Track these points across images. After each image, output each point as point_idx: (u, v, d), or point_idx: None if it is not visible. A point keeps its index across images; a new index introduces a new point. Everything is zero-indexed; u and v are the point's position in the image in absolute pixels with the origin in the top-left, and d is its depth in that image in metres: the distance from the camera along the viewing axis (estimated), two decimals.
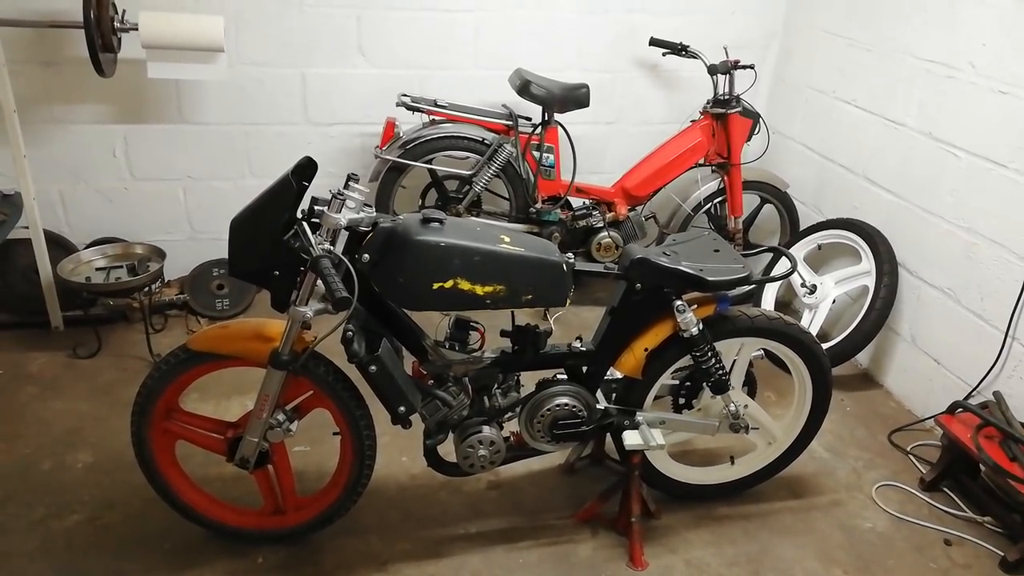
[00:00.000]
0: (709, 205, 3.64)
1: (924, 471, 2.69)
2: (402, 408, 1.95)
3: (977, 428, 2.45)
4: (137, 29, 2.84)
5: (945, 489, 2.62)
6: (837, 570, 2.28)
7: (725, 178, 3.55)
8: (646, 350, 2.18)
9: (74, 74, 3.17)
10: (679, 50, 3.53)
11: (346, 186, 1.80)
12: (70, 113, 3.25)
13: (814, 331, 3.21)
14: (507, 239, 1.94)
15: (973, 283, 2.78)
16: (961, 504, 2.56)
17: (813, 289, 3.35)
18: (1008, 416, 2.48)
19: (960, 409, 2.57)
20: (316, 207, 1.83)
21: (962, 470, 2.58)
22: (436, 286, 1.85)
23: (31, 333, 3.21)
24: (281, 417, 2.02)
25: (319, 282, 1.79)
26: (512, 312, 2.07)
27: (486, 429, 2.13)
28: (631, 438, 2.21)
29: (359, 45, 3.41)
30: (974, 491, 2.54)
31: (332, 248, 1.77)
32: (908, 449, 2.82)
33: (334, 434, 2.11)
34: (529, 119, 3.44)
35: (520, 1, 3.50)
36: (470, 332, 2.09)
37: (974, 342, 2.78)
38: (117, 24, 2.85)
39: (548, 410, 2.17)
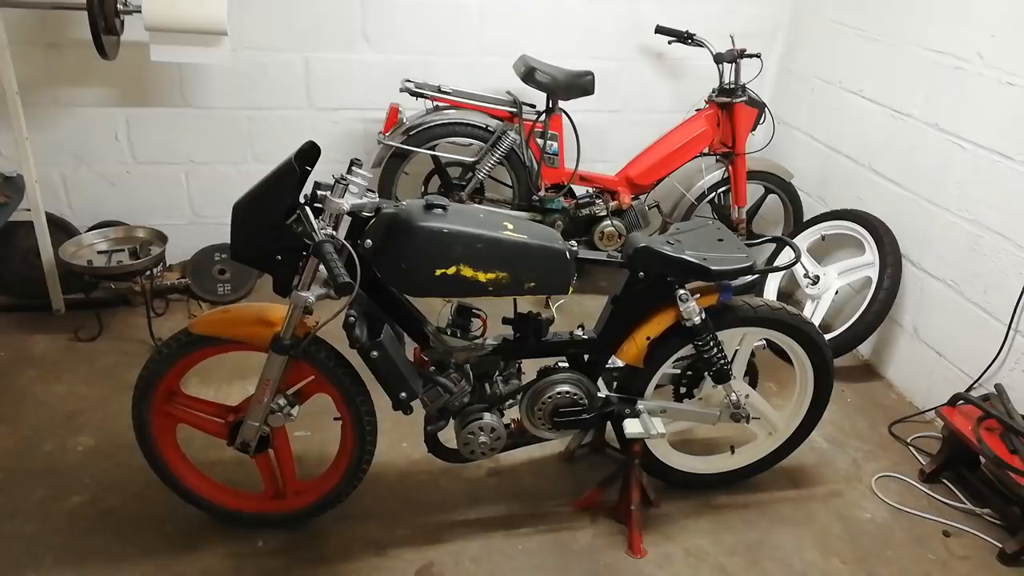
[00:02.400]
0: (713, 195, 3.63)
1: (924, 463, 2.69)
2: (403, 394, 1.95)
3: (978, 420, 2.45)
4: (140, 11, 2.82)
5: (945, 481, 2.62)
6: (835, 560, 2.28)
7: (729, 167, 3.53)
8: (648, 339, 2.17)
9: (77, 56, 3.15)
10: (685, 38, 3.51)
11: (349, 171, 1.79)
12: (72, 96, 3.24)
13: (816, 322, 3.21)
14: (510, 226, 1.93)
15: (977, 275, 2.77)
16: (960, 496, 2.56)
17: (816, 280, 3.34)
18: (1009, 408, 2.48)
19: (961, 401, 2.57)
20: (319, 192, 1.82)
21: (962, 462, 2.58)
22: (438, 272, 1.84)
23: (32, 316, 3.21)
24: (282, 402, 2.02)
25: (321, 267, 1.78)
26: (514, 299, 2.07)
27: (487, 416, 2.13)
28: (632, 426, 2.21)
29: (363, 30, 3.39)
30: (974, 483, 2.54)
31: (334, 233, 1.77)
32: (908, 440, 2.82)
33: (335, 419, 2.12)
34: (533, 106, 3.42)
35: None
36: (472, 319, 2.08)
37: (976, 334, 2.77)
38: (120, 6, 2.83)
39: (549, 398, 2.17)
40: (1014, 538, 2.33)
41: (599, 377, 2.27)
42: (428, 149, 3.33)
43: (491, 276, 1.89)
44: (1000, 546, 2.34)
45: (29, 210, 3.03)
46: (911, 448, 2.79)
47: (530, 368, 2.24)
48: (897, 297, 3.06)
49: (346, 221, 1.84)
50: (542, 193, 3.48)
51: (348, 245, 1.79)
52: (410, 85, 3.27)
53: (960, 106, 2.83)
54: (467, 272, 1.86)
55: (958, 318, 2.85)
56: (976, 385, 2.74)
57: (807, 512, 2.46)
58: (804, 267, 3.39)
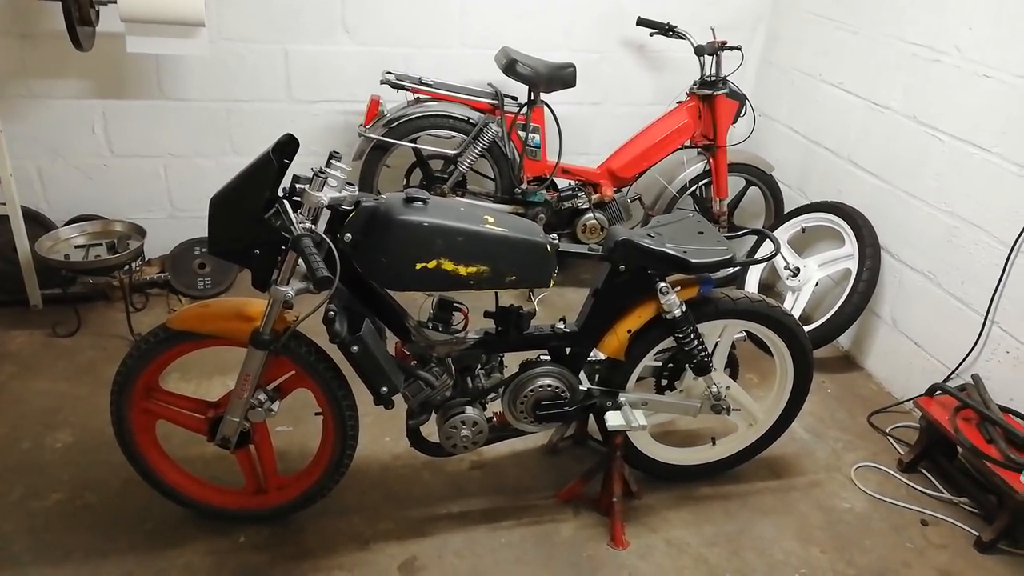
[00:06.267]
0: (694, 187, 3.64)
1: (902, 452, 2.72)
2: (384, 388, 1.94)
3: (955, 410, 2.48)
4: (116, 2, 2.78)
5: (923, 470, 2.65)
6: (815, 549, 2.31)
7: (711, 160, 3.55)
8: (629, 331, 2.18)
9: (51, 48, 3.11)
10: (666, 30, 3.51)
11: (328, 164, 1.78)
12: (48, 88, 3.19)
13: (797, 313, 3.23)
14: (491, 219, 1.92)
15: (954, 267, 2.80)
16: (938, 485, 2.59)
17: (796, 272, 3.37)
18: (985, 398, 2.51)
19: (939, 391, 2.61)
20: (297, 185, 1.81)
21: (940, 452, 2.61)
22: (419, 266, 1.84)
23: (9, 311, 3.17)
24: (263, 397, 2.00)
25: (300, 261, 1.77)
26: (496, 293, 2.07)
27: (469, 410, 2.13)
28: (613, 419, 2.22)
29: (343, 21, 3.37)
30: (951, 472, 2.57)
31: (314, 227, 1.76)
32: (887, 431, 2.85)
33: (316, 414, 2.11)
34: (515, 98, 3.41)
35: None
36: (453, 313, 2.08)
37: (954, 325, 2.80)
38: None
39: (531, 391, 2.18)
40: (991, 526, 2.36)
41: (581, 370, 2.27)
42: (409, 142, 3.31)
43: (472, 270, 1.88)
44: (977, 534, 2.38)
45: (4, 204, 2.99)
46: (890, 438, 2.82)
47: (512, 362, 2.24)
48: (876, 289, 3.08)
49: (326, 215, 1.83)
50: (524, 186, 3.47)
51: (327, 239, 1.77)
52: (391, 77, 3.25)
53: (938, 98, 2.85)
54: (448, 266, 1.86)
55: (936, 309, 2.88)
56: (953, 375, 2.77)
57: (787, 502, 2.48)
58: (784, 259, 3.41)
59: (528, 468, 2.54)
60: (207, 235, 1.83)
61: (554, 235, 2.02)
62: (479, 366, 2.18)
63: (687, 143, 3.53)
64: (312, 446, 2.22)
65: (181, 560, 2.10)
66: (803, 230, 3.47)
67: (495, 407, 2.25)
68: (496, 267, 1.90)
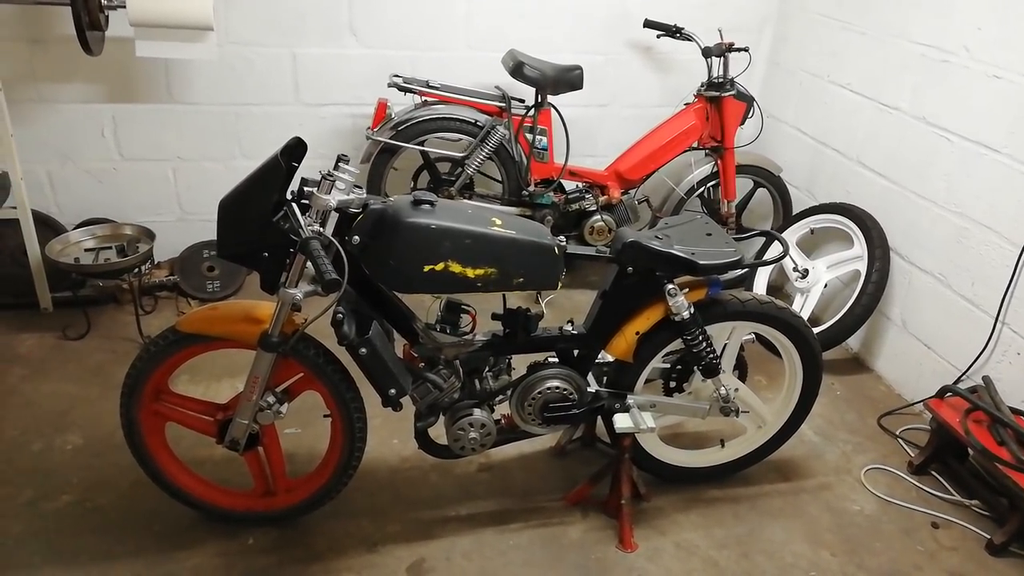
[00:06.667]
0: (702, 189, 3.63)
1: (913, 455, 2.70)
2: (393, 390, 1.94)
3: (966, 412, 2.47)
4: (125, 7, 2.80)
5: (933, 473, 2.63)
6: (825, 552, 2.30)
7: (718, 162, 3.54)
8: (637, 333, 2.17)
9: (61, 52, 3.13)
10: (673, 32, 3.51)
11: (336, 167, 1.79)
12: (57, 92, 3.21)
13: (806, 315, 3.22)
14: (499, 222, 1.93)
15: (964, 268, 2.78)
16: (949, 487, 2.57)
17: (805, 273, 3.35)
18: (996, 400, 2.50)
19: (949, 393, 2.59)
20: (306, 188, 1.81)
21: (950, 454, 2.60)
22: (427, 269, 1.84)
23: (20, 314, 3.19)
24: (271, 399, 2.01)
25: (309, 264, 1.78)
26: (503, 295, 2.07)
27: (477, 412, 2.13)
28: (622, 421, 2.22)
29: (350, 24, 3.38)
30: (962, 475, 2.56)
31: (322, 230, 1.76)
32: (897, 433, 2.84)
33: (325, 416, 2.11)
34: (522, 101, 3.41)
35: None
36: (461, 315, 2.08)
37: (964, 327, 2.78)
38: (104, 1, 2.80)
39: (539, 393, 2.17)
40: (1002, 529, 2.34)
41: (589, 372, 2.27)
42: (417, 144, 3.32)
43: (480, 272, 1.88)
44: (988, 537, 2.36)
45: (15, 208, 3.01)
46: (900, 440, 2.81)
47: (520, 364, 2.24)
48: (885, 290, 3.07)
49: (334, 217, 1.83)
50: (531, 188, 3.47)
51: (335, 242, 1.78)
52: (398, 80, 3.25)
53: (947, 99, 2.84)
54: (456, 268, 1.86)
55: (946, 311, 2.87)
56: (964, 377, 2.76)
57: (797, 505, 2.47)
58: (793, 261, 3.40)
59: (536, 470, 2.53)
60: (216, 238, 1.84)
61: (561, 237, 2.02)
62: (487, 368, 2.18)
63: (695, 145, 3.53)
64: (320, 448, 2.23)
65: (190, 562, 2.11)
66: (812, 231, 3.46)
67: (503, 409, 2.25)
68: (504, 269, 1.90)
